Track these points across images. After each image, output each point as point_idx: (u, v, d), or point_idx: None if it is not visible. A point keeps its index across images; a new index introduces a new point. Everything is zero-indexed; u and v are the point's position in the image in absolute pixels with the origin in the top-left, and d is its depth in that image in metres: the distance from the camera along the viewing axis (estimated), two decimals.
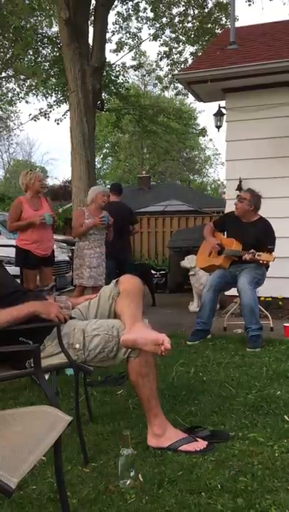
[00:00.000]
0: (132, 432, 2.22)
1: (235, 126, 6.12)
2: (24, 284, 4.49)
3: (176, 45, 13.35)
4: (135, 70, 15.82)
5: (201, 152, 35.69)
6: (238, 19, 11.84)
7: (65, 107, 13.61)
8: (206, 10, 12.26)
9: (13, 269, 3.94)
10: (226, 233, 4.72)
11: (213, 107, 8.36)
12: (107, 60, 9.59)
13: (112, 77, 13.56)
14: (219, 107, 6.72)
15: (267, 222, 4.46)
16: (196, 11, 12.48)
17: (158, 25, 13.06)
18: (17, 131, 35.51)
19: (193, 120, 20.69)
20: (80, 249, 4.83)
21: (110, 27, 12.74)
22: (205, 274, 5.83)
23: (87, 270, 4.75)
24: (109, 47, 29.38)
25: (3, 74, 14.43)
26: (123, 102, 14.38)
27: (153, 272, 8.29)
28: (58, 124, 14.42)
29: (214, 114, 6.90)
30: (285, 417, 2.47)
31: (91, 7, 9.09)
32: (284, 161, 5.85)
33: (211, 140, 36.18)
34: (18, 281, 4.38)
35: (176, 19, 12.76)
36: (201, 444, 2.12)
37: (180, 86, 13.08)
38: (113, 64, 13.95)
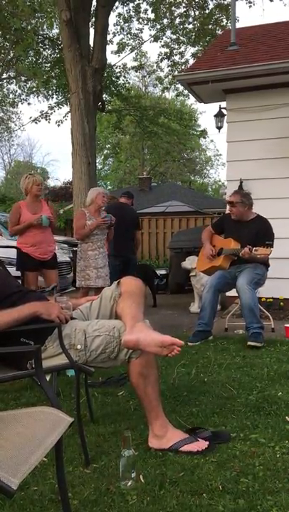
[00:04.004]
0: (133, 433, 2.22)
1: (236, 127, 6.12)
2: (25, 286, 4.50)
3: (176, 47, 13.39)
4: (136, 71, 15.87)
5: (202, 153, 35.72)
6: (238, 20, 11.87)
7: (66, 108, 13.65)
8: (207, 11, 12.27)
9: (14, 270, 3.94)
10: (225, 234, 4.72)
11: (213, 108, 8.38)
12: (107, 62, 9.60)
13: (113, 78, 13.58)
14: (220, 108, 6.72)
15: (264, 220, 4.47)
16: (197, 12, 12.50)
17: (159, 26, 13.08)
18: (18, 132, 35.55)
19: (194, 121, 20.65)
20: (84, 251, 4.82)
21: (111, 28, 12.80)
22: (206, 275, 5.84)
23: (93, 271, 4.75)
24: (111, 48, 29.35)
25: (4, 75, 14.47)
26: (124, 103, 14.41)
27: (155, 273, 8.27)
28: (58, 125, 14.47)
29: (215, 115, 6.91)
30: (287, 418, 2.47)
31: (92, 8, 9.11)
32: (285, 162, 5.85)
33: (212, 141, 36.22)
34: (20, 282, 4.39)
35: (177, 20, 12.78)
36: (202, 444, 2.12)
37: (181, 87, 13.09)
38: (114, 65, 13.98)
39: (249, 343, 4.01)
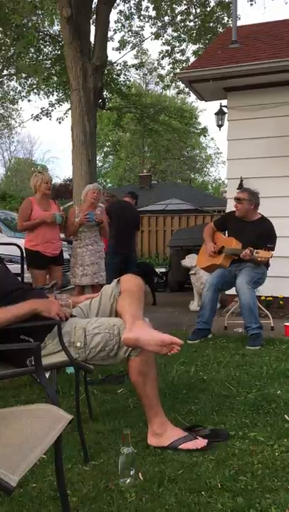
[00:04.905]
0: (132, 431, 2.22)
1: (237, 125, 6.12)
2: (33, 284, 4.49)
3: (178, 44, 13.35)
4: (137, 69, 15.82)
5: (203, 151, 35.68)
6: (239, 18, 11.85)
7: (66, 105, 13.61)
8: (208, 9, 12.24)
9: (14, 268, 3.93)
10: (226, 233, 4.72)
11: (214, 105, 8.37)
12: (108, 59, 9.57)
13: (114, 76, 13.55)
14: (221, 106, 6.71)
15: (268, 222, 4.44)
16: (198, 10, 12.46)
17: (160, 23, 13.05)
18: (18, 129, 35.51)
19: (195, 119, 20.65)
20: (74, 249, 4.87)
21: (112, 25, 12.80)
22: (206, 274, 5.83)
23: (79, 269, 4.76)
24: (112, 45, 29.33)
25: (5, 72, 14.44)
26: (124, 101, 14.38)
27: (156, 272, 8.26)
28: (59, 123, 14.45)
29: (216, 113, 6.89)
30: (286, 416, 2.47)
31: (93, 5, 9.08)
32: (285, 160, 5.84)
33: (212, 139, 36.17)
34: (19, 279, 4.38)
35: (178, 18, 12.75)
36: (201, 443, 2.12)
37: (182, 85, 13.06)
38: (114, 63, 13.95)
39: (248, 347, 4.02)
